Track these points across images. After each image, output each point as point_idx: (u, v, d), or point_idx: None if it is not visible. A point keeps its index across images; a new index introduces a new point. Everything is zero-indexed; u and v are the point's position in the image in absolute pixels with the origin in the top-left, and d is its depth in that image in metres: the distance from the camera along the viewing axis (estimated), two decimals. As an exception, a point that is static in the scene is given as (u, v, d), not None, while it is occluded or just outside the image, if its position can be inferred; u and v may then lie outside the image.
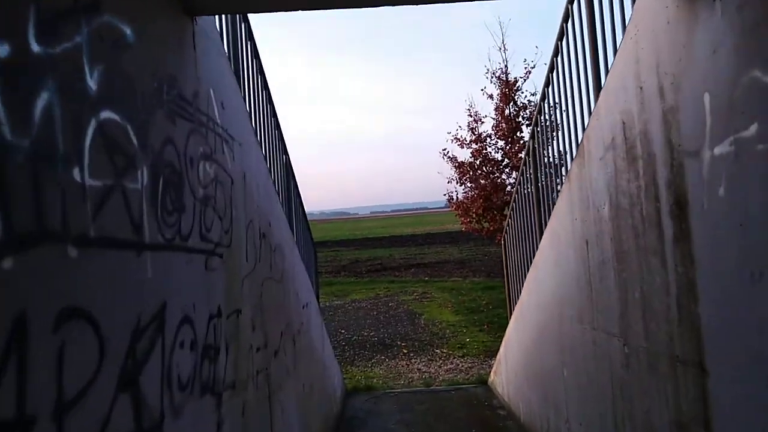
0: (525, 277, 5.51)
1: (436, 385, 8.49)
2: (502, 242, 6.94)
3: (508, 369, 6.30)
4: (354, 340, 12.07)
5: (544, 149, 4.82)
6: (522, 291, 5.54)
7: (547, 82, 4.59)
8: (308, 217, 6.60)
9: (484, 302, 15.53)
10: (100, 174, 1.41)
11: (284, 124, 4.85)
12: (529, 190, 5.49)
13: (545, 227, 4.61)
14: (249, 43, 3.65)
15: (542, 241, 4.69)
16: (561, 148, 4.32)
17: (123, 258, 1.52)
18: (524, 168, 5.65)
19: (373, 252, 34.94)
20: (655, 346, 2.71)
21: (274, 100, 4.39)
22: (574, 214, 3.77)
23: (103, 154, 1.44)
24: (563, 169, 4.41)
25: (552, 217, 4.32)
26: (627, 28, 2.83)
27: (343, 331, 12.95)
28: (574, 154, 3.89)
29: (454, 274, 22.10)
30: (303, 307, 4.53)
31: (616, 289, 3.14)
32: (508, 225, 6.58)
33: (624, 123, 2.89)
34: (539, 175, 5.12)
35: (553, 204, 4.49)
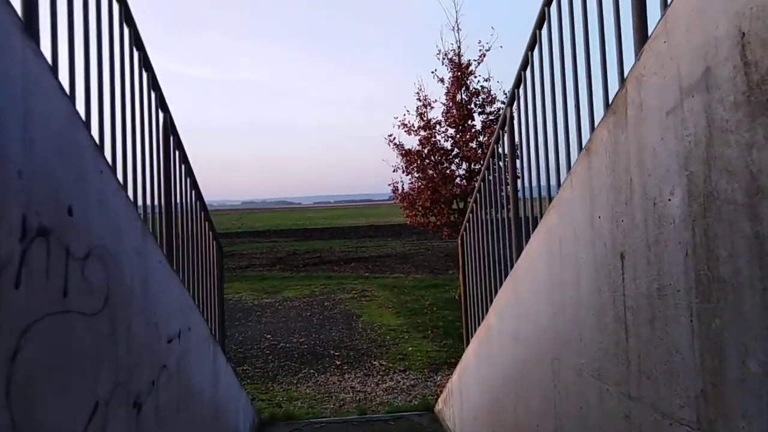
0: (494, 292, 4.11)
1: (372, 411, 7.04)
2: (459, 242, 5.54)
3: (464, 407, 4.92)
4: (280, 347, 10.44)
5: (530, 109, 3.39)
6: (490, 310, 4.14)
7: (542, 20, 3.18)
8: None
9: (428, 302, 14.26)
10: None
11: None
12: (503, 173, 4.09)
13: (534, 227, 3.20)
14: None
15: (527, 247, 3.28)
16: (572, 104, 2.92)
17: None
18: (496, 147, 4.25)
19: (313, 244, 33.18)
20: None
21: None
22: (595, 210, 2.37)
23: None
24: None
25: (549, 211, 2.90)
26: None
27: (268, 336, 11.29)
28: (596, 115, 2.50)
29: (396, 270, 20.80)
30: (169, 341, 2.94)
31: (692, 345, 1.76)
32: (468, 220, 5.18)
33: (744, 35, 1.49)
34: (520, 149, 3.71)
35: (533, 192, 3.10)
